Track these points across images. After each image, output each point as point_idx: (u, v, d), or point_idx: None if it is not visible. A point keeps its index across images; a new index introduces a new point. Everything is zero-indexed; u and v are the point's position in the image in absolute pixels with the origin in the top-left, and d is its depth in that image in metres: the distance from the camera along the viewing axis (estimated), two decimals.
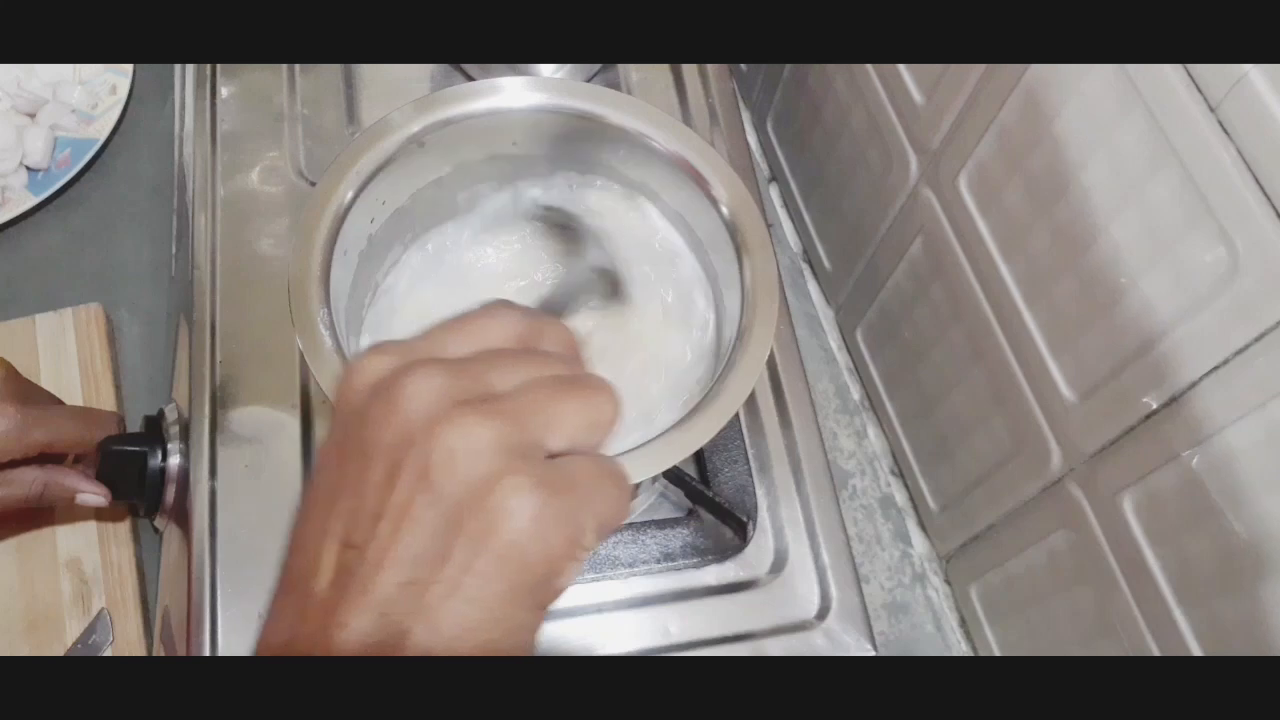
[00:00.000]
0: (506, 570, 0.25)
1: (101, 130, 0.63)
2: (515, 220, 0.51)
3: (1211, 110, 0.33)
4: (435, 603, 0.24)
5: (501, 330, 0.29)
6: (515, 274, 0.49)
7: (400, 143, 0.45)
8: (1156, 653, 0.41)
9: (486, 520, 0.24)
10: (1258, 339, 0.33)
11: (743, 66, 0.74)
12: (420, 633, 0.24)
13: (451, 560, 0.24)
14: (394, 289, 0.49)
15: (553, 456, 0.26)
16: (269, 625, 0.26)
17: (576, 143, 0.48)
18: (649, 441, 0.40)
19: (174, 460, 0.49)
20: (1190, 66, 0.33)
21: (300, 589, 0.25)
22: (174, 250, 0.58)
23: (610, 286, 0.47)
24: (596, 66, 0.63)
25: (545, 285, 0.49)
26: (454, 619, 0.24)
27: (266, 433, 0.49)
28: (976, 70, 0.44)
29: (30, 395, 0.49)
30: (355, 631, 0.24)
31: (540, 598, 0.26)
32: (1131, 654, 0.42)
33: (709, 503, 0.49)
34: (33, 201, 0.60)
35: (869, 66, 0.55)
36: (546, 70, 0.62)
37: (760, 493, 0.51)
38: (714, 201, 0.45)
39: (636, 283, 0.49)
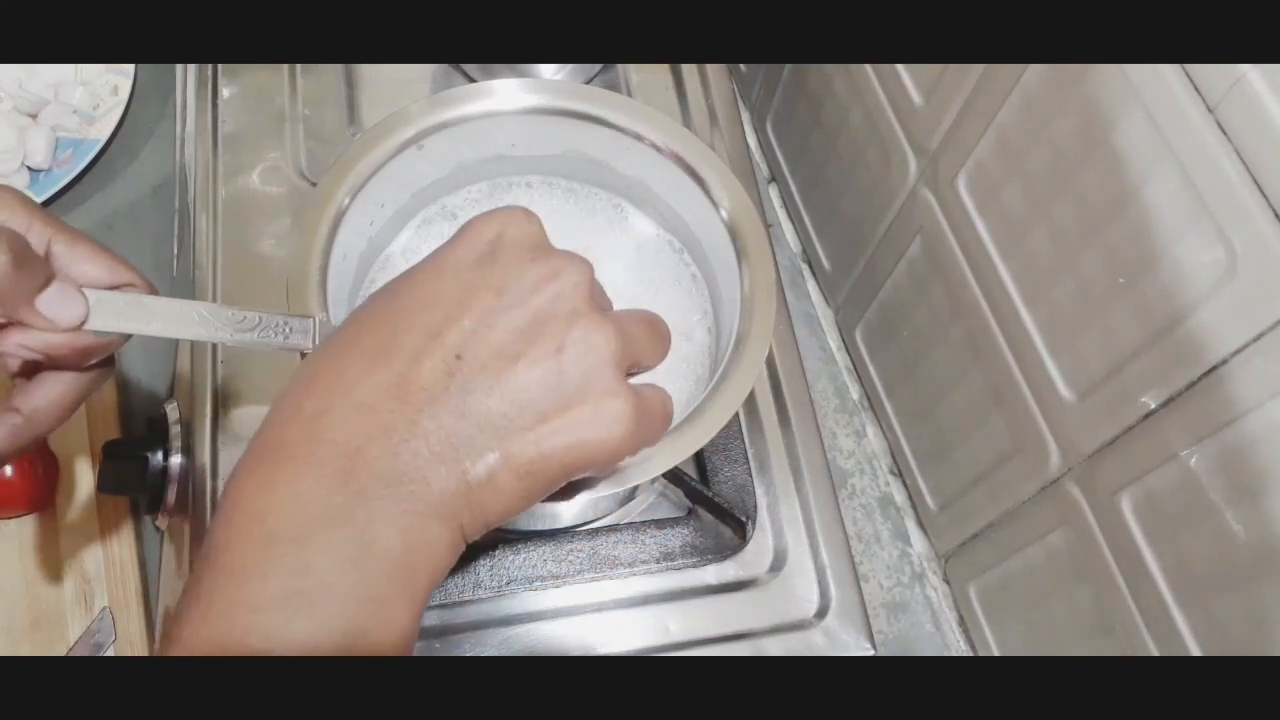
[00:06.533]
0: (572, 459, 0.28)
1: (103, 131, 0.63)
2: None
3: (1210, 111, 0.33)
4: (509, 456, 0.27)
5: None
6: None
7: (400, 144, 0.45)
8: (1155, 652, 0.41)
9: (588, 418, 0.28)
10: (1256, 339, 0.33)
11: (742, 67, 0.74)
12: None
13: (543, 425, 0.27)
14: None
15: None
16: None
17: (576, 144, 0.48)
18: None
19: (175, 460, 0.49)
20: (1189, 67, 0.33)
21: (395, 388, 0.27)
22: (175, 251, 0.58)
23: None
24: (597, 67, 0.63)
25: None
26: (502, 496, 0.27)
27: None
28: (975, 71, 0.44)
29: None
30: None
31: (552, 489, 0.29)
32: (1130, 653, 0.42)
33: (708, 502, 0.49)
34: None
35: (868, 67, 0.55)
36: (547, 71, 0.62)
37: (759, 492, 0.51)
38: (713, 203, 0.46)
39: (635, 285, 0.49)
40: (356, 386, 0.27)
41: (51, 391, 0.35)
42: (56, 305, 0.33)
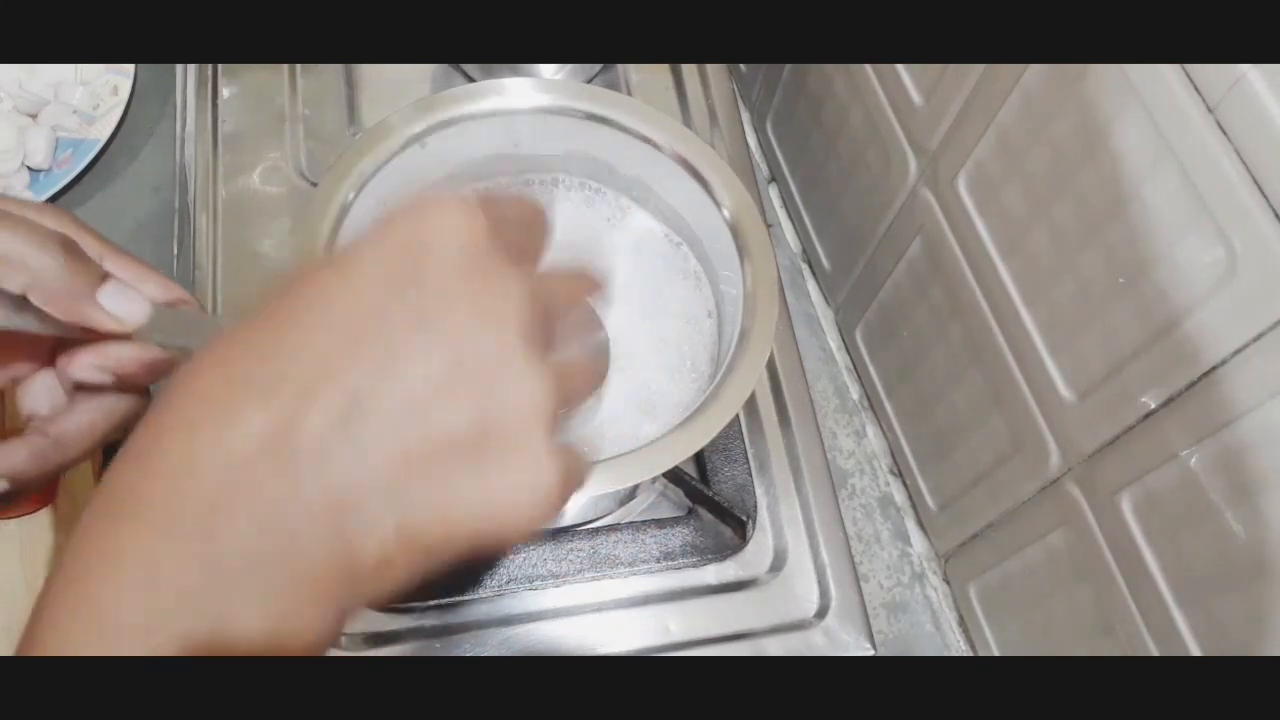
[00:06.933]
0: (481, 536, 0.23)
1: (103, 131, 0.63)
2: None
3: (1210, 111, 0.33)
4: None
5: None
6: None
7: (401, 143, 0.45)
8: (1155, 652, 0.41)
9: (507, 492, 0.23)
10: (1256, 339, 0.33)
11: (742, 67, 0.74)
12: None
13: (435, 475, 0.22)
14: None
15: None
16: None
17: (577, 144, 0.48)
18: (650, 443, 0.40)
19: None
20: (1189, 67, 0.33)
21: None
22: (175, 251, 0.58)
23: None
24: (597, 67, 0.63)
25: None
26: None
27: None
28: (975, 70, 0.44)
29: None
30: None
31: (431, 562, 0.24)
32: (1130, 654, 0.42)
33: (709, 502, 0.49)
34: None
35: (868, 67, 0.55)
36: (547, 71, 0.62)
37: (760, 492, 0.51)
38: (715, 203, 0.46)
39: (638, 283, 0.49)
40: (229, 429, 0.22)
41: (83, 419, 0.34)
42: (118, 300, 0.32)
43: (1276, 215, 0.31)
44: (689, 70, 0.64)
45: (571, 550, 0.49)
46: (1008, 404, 0.48)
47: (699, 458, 0.51)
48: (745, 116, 0.74)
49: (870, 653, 0.48)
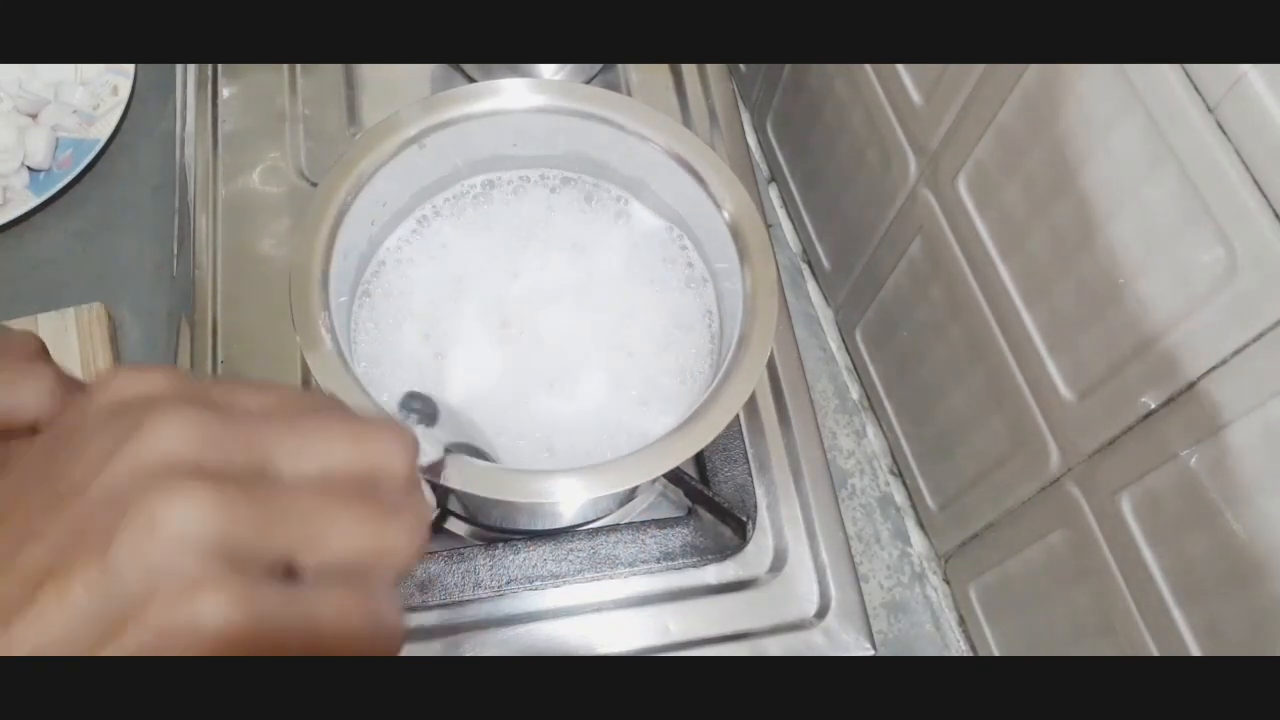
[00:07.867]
0: None
1: (103, 131, 0.63)
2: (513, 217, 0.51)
3: (1210, 111, 0.33)
4: None
5: (330, 426, 0.22)
6: (504, 268, 0.49)
7: (401, 144, 0.45)
8: (1155, 652, 0.41)
9: (150, 636, 0.18)
10: (1256, 338, 0.33)
11: (742, 67, 0.74)
12: None
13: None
14: (388, 285, 0.49)
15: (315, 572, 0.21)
16: None
17: (576, 144, 0.48)
18: (650, 444, 0.40)
19: None
20: (1189, 67, 0.33)
21: None
22: (175, 250, 0.58)
23: None
24: (597, 67, 0.63)
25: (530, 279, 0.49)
26: None
27: None
28: (975, 71, 0.44)
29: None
30: None
31: None
32: (1130, 654, 0.42)
33: (708, 502, 0.49)
34: (34, 202, 0.60)
35: (868, 67, 0.55)
36: (547, 71, 0.62)
37: (760, 492, 0.51)
38: (715, 204, 0.46)
39: (639, 284, 0.49)
40: None
41: None
42: None
43: (1276, 215, 0.31)
44: (689, 70, 0.64)
45: (571, 550, 0.49)
46: (1008, 404, 0.48)
47: (699, 458, 0.51)
48: (745, 116, 0.74)
49: (870, 653, 0.48)
